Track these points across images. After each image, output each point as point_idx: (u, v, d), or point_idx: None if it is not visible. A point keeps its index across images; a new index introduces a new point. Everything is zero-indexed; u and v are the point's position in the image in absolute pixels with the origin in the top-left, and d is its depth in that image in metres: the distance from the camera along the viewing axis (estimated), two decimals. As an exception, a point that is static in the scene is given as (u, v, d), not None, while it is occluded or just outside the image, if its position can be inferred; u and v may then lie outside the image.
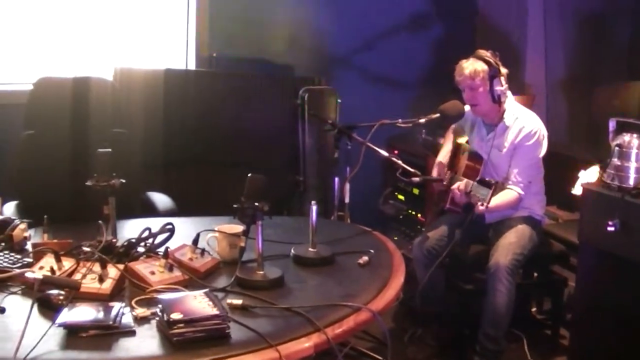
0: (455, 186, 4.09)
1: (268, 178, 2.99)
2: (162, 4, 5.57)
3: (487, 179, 3.78)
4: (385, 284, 3.09)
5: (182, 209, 4.36)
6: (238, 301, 2.66)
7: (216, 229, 3.25)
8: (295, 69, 5.87)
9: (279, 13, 5.75)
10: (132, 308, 2.58)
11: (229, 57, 5.62)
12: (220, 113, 5.24)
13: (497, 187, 3.74)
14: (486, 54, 4.28)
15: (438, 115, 4.23)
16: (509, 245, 4.23)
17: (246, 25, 5.67)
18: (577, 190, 4.78)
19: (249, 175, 2.98)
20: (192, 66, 5.65)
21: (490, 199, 3.70)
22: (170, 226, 3.17)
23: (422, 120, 4.19)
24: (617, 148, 3.95)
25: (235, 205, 2.95)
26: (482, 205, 3.77)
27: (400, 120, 4.15)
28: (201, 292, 2.61)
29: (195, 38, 5.61)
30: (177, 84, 5.17)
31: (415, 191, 5.84)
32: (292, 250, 3.33)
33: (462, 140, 4.72)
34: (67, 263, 2.84)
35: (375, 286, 3.03)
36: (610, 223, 3.78)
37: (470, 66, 4.25)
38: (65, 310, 2.44)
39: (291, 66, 5.88)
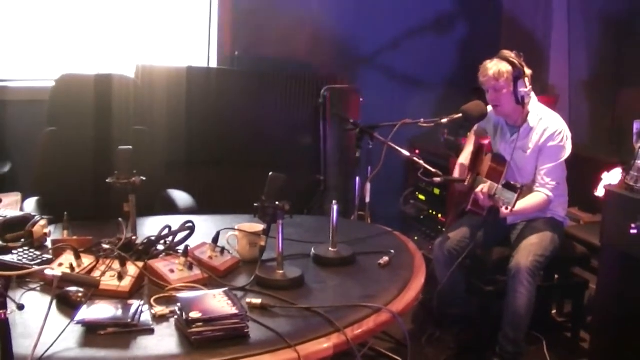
0: (479, 189, 4.06)
1: (289, 177, 2.98)
2: (185, 2, 5.56)
3: (512, 182, 3.74)
4: (406, 285, 3.06)
5: (202, 207, 4.35)
6: (257, 300, 2.64)
7: (236, 227, 3.24)
8: (318, 68, 5.83)
9: (302, 11, 5.72)
10: (151, 306, 2.57)
11: (251, 55, 5.61)
12: (241, 112, 5.24)
13: (522, 191, 3.71)
14: (511, 54, 4.25)
15: (460, 115, 4.19)
16: (531, 247, 4.20)
17: (268, 24, 5.65)
18: (600, 192, 4.75)
19: (270, 174, 2.97)
20: (214, 64, 5.64)
21: (515, 203, 3.68)
22: (190, 224, 3.16)
23: (444, 121, 4.16)
24: (640, 150, 3.92)
25: (255, 204, 2.94)
26: (506, 209, 3.74)
27: (422, 120, 4.13)
28: (220, 291, 2.60)
29: (217, 36, 5.60)
30: (198, 82, 5.17)
31: (436, 191, 5.82)
32: (313, 250, 3.31)
33: (485, 141, 4.70)
34: (87, 260, 2.84)
35: (396, 287, 3.01)
36: (633, 226, 3.73)
37: (495, 67, 4.22)
38: (84, 308, 2.44)
39: (314, 65, 5.84)
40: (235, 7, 5.58)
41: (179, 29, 5.57)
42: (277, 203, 2.90)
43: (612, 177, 4.73)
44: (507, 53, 4.26)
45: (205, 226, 3.42)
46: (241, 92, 5.28)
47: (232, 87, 5.26)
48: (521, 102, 4.26)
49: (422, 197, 6.08)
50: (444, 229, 5.39)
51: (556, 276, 4.74)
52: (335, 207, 3.26)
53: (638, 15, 5.76)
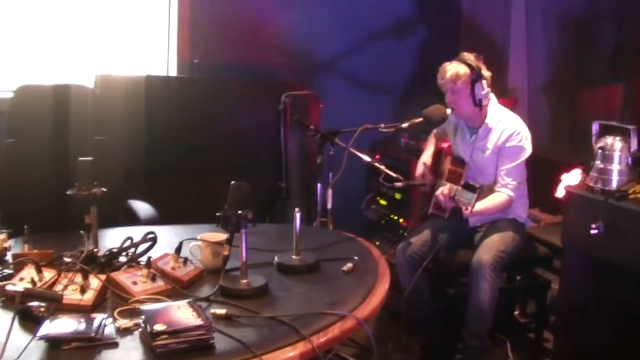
0: (439, 191, 4.07)
1: (250, 184, 2.97)
2: (143, 11, 5.52)
3: (471, 183, 3.76)
4: (371, 290, 3.06)
5: (164, 217, 4.32)
6: (222, 311, 2.63)
7: (199, 237, 3.22)
8: (277, 74, 5.83)
9: (261, 18, 5.71)
10: (115, 319, 2.54)
11: (210, 63, 5.57)
12: (201, 120, 5.21)
13: (481, 191, 3.73)
14: (470, 57, 4.27)
15: (421, 119, 4.22)
16: (493, 243, 4.23)
17: (228, 31, 5.63)
18: (560, 193, 4.77)
19: (232, 182, 2.95)
20: (173, 72, 5.61)
21: (475, 203, 3.69)
22: (152, 235, 3.14)
23: (405, 125, 4.18)
24: (600, 151, 3.93)
25: (218, 214, 2.92)
26: (466, 209, 3.75)
27: (382, 125, 4.14)
28: (184, 302, 2.58)
29: (176, 44, 5.56)
30: (158, 91, 5.14)
31: (398, 196, 5.82)
32: (276, 258, 3.30)
33: (444, 144, 4.72)
34: (48, 274, 2.80)
35: (361, 293, 3.00)
36: (593, 226, 3.76)
37: (452, 69, 4.24)
38: (46, 323, 2.40)
39: (273, 72, 5.83)
40: (194, 15, 5.55)
41: (137, 37, 5.52)
42: (240, 212, 2.89)
43: (571, 177, 4.76)
44: (466, 55, 4.29)
45: (168, 236, 3.40)
46: (201, 100, 5.26)
47: (191, 95, 5.23)
48: (479, 104, 4.29)
49: (383, 202, 6.08)
50: (406, 234, 5.40)
51: (518, 277, 4.76)
52: (298, 215, 3.25)
53: (596, 17, 5.81)
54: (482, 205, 3.90)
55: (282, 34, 5.83)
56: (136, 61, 5.53)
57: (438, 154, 4.71)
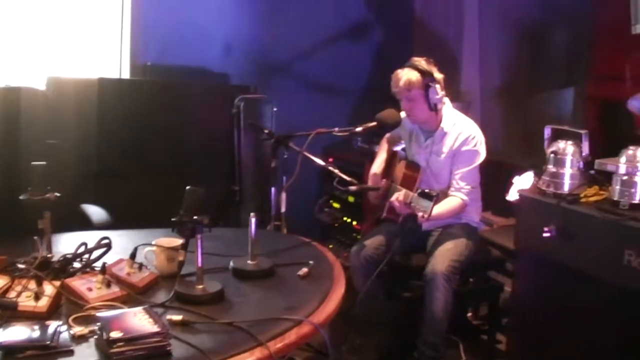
0: (394, 197, 4.09)
1: (204, 188, 2.96)
2: (96, 13, 5.48)
3: (427, 190, 3.78)
4: (326, 295, 3.08)
5: (118, 221, 4.29)
6: (178, 317, 2.62)
7: (154, 242, 3.21)
8: (231, 77, 5.81)
9: (215, 21, 5.69)
10: (70, 326, 2.51)
11: (164, 65, 5.54)
12: (155, 122, 5.16)
13: (438, 198, 3.76)
14: (420, 62, 4.30)
15: (375, 123, 4.22)
16: (446, 252, 4.25)
17: (181, 33, 5.61)
18: (512, 196, 4.81)
19: (187, 188, 2.94)
20: (126, 75, 5.57)
21: (432, 211, 3.72)
22: (107, 240, 3.12)
23: (359, 129, 4.17)
24: (552, 155, 4.00)
25: (174, 219, 2.91)
26: (423, 217, 3.78)
27: (336, 129, 4.14)
28: (140, 308, 2.57)
29: (129, 47, 5.52)
30: (111, 93, 5.08)
31: (351, 199, 5.85)
32: (232, 263, 3.29)
33: (397, 147, 4.74)
34: (1, 281, 2.77)
35: (317, 298, 3.02)
36: (546, 229, 3.81)
37: (405, 77, 4.26)
38: (0, 331, 2.37)
39: (227, 75, 5.82)
40: (147, 17, 5.51)
41: (90, 39, 5.48)
42: (195, 217, 2.88)
43: (523, 181, 4.80)
44: (417, 60, 4.31)
45: (122, 241, 3.37)
46: (154, 103, 5.21)
47: (144, 97, 5.19)
48: (434, 108, 4.32)
49: (337, 205, 6.10)
50: (359, 237, 5.42)
51: (471, 280, 4.79)
52: (253, 220, 3.26)
53: (547, 21, 5.87)
54: (436, 210, 3.92)
55: (236, 36, 5.83)
56: (88, 63, 5.48)
57: (391, 158, 4.73)
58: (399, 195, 4.07)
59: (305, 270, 3.29)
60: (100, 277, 2.86)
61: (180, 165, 5.16)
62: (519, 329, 4.34)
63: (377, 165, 4.70)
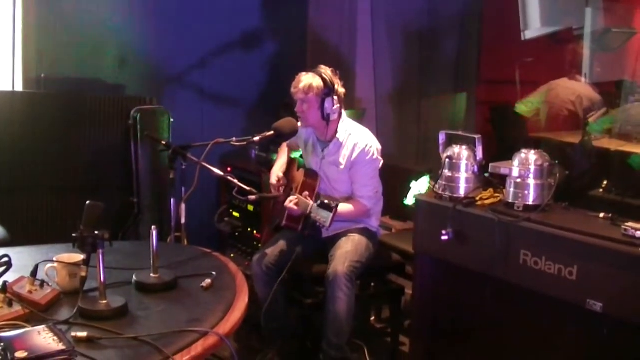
0: (288, 202, 4.16)
1: (102, 200, 2.97)
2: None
3: (326, 201, 3.85)
4: (230, 306, 3.12)
5: (15, 238, 4.23)
6: (83, 333, 2.61)
7: (55, 259, 3.18)
8: (126, 88, 5.78)
9: (109, 32, 5.63)
10: (-28, 348, 2.49)
11: (58, 77, 5.46)
12: (50, 135, 5.09)
13: (337, 209, 3.84)
14: (327, 71, 4.37)
15: (272, 132, 4.27)
16: (346, 254, 4.31)
17: (75, 45, 5.52)
18: (409, 200, 4.92)
19: (87, 202, 2.94)
20: (19, 88, 5.47)
21: (332, 221, 3.81)
22: (6, 259, 3.08)
23: (257, 139, 4.21)
24: (447, 160, 4.12)
25: (74, 234, 2.90)
26: (323, 227, 3.86)
27: (234, 138, 4.16)
28: (44, 326, 2.55)
29: (22, 59, 5.43)
30: (3, 106, 5.00)
31: (250, 208, 5.87)
32: (134, 277, 3.29)
33: (295, 154, 4.80)
34: None
35: (221, 309, 3.05)
36: (443, 232, 3.93)
37: (307, 80, 4.32)
38: None
39: (122, 86, 5.78)
40: (40, 28, 5.42)
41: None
42: (96, 232, 2.88)
43: (420, 185, 4.92)
44: (323, 69, 4.38)
45: (22, 259, 3.32)
46: (49, 115, 5.13)
47: (38, 110, 5.11)
48: (326, 118, 4.38)
49: (236, 214, 6.12)
50: (260, 245, 5.45)
51: (372, 284, 4.86)
52: (154, 232, 3.26)
53: (439, 30, 6.01)
54: (340, 209, 3.98)
55: (130, 47, 5.78)
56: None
57: (290, 165, 4.79)
58: (292, 199, 4.14)
59: (208, 281, 3.31)
60: (1, 296, 2.82)
61: (77, 178, 5.11)
62: (420, 331, 4.45)
63: (279, 168, 4.76)
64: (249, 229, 5.95)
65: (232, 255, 5.89)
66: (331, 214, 3.79)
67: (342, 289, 4.17)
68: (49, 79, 5.43)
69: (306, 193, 4.16)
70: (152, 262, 3.29)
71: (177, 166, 4.20)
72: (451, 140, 4.23)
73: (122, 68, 5.77)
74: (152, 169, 5.28)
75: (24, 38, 5.40)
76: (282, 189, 4.59)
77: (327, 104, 4.34)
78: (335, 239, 4.52)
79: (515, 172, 3.83)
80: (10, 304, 2.81)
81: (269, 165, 5.19)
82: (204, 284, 3.29)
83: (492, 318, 3.89)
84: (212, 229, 6.06)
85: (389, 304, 4.97)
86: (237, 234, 6.09)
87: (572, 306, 3.47)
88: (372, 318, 5.33)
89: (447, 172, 4.13)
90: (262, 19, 6.50)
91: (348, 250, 4.35)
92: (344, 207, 4.31)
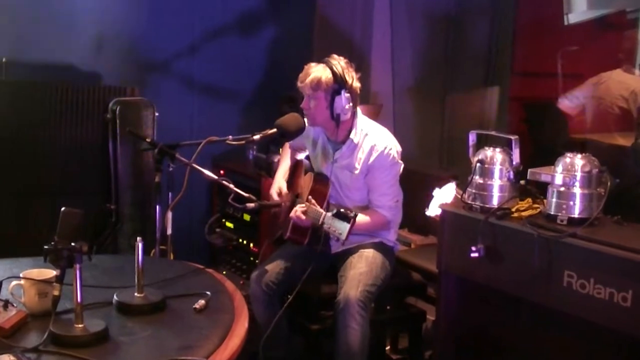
0: (293, 213, 4.10)
1: (75, 207, 2.91)
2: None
3: (342, 210, 3.78)
4: (228, 331, 3.09)
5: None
6: (55, 363, 2.56)
7: (22, 275, 3.12)
8: (103, 77, 5.73)
9: (83, 11, 5.59)
10: None
11: (22, 62, 5.41)
12: (14, 131, 5.04)
13: (355, 220, 3.74)
14: (339, 62, 4.29)
15: (275, 130, 4.19)
16: (360, 277, 4.25)
17: (42, 25, 5.47)
18: (432, 211, 4.86)
19: (63, 209, 2.89)
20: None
21: (348, 234, 3.72)
22: (-34, 275, 3.04)
23: (257, 137, 4.13)
24: (478, 164, 4.03)
25: (46, 247, 2.85)
26: (337, 240, 3.79)
27: (231, 137, 4.09)
28: (9, 355, 2.51)
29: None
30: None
31: (247, 217, 5.84)
32: (115, 297, 3.24)
33: (301, 156, 4.74)
34: None
35: (217, 334, 3.02)
36: (473, 249, 3.85)
37: (315, 74, 4.24)
38: None
39: (99, 74, 5.73)
40: (2, 6, 5.38)
41: None
42: (73, 244, 2.82)
43: (444, 193, 4.85)
44: (335, 59, 4.31)
45: (-17, 275, 3.29)
46: (12, 106, 5.07)
47: (0, 100, 5.06)
48: (336, 118, 4.30)
49: (229, 224, 6.09)
50: (257, 260, 5.41)
51: (389, 307, 4.81)
52: (140, 244, 3.21)
53: (468, 15, 5.96)
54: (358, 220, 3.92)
55: (109, 29, 5.74)
56: None
57: (295, 168, 4.73)
58: (300, 208, 4.08)
59: (201, 302, 3.27)
60: (-41, 319, 2.78)
61: (46, 180, 5.06)
62: (443, 362, 4.39)
63: (282, 175, 4.69)
64: (245, 242, 5.91)
65: (224, 272, 5.85)
66: (349, 226, 3.69)
67: (356, 317, 4.11)
68: (11, 63, 5.36)
69: (313, 201, 4.10)
70: (136, 279, 3.25)
71: (164, 168, 4.14)
72: (482, 142, 4.16)
73: (98, 52, 5.71)
74: (134, 171, 5.22)
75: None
76: (286, 197, 4.53)
77: (336, 102, 4.27)
78: (345, 255, 4.47)
79: (559, 180, 3.75)
80: (-30, 329, 2.77)
81: (269, 168, 5.15)
82: (196, 306, 3.25)
83: (528, 349, 3.84)
84: (203, 241, 6.02)
85: (407, 330, 4.93)
86: (230, 247, 6.05)
87: (624, 337, 3.39)
88: (388, 347, 5.28)
89: (477, 179, 4.05)
90: (262, 0, 6.47)
91: (362, 272, 4.28)
92: (361, 219, 4.20)
